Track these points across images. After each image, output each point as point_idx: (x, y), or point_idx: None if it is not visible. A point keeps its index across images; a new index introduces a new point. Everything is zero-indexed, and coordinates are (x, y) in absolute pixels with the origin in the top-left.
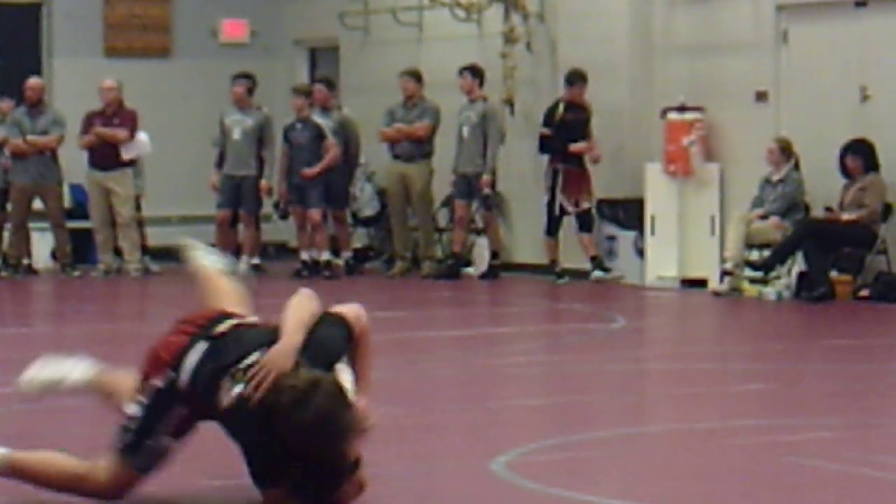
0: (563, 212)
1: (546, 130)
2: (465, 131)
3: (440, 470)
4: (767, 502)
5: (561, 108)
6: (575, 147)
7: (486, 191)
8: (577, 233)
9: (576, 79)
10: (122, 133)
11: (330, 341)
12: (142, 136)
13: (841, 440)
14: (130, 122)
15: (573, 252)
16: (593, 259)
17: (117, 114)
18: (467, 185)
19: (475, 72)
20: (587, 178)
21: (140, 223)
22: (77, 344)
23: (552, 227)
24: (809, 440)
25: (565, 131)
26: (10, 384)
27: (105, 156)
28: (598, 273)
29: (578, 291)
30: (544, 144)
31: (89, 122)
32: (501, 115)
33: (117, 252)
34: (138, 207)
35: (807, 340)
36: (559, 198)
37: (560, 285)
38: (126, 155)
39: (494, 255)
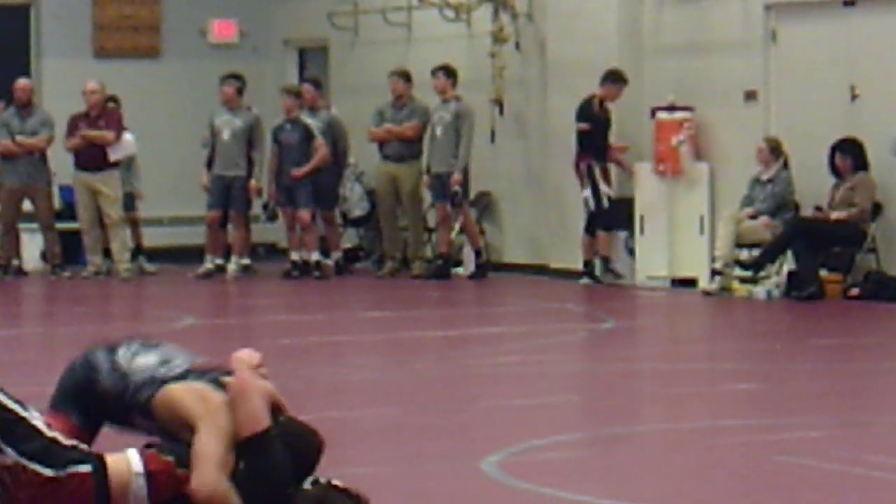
0: (611, 203)
1: (585, 126)
2: (439, 131)
3: (431, 470)
4: (757, 501)
5: (597, 104)
6: (617, 144)
7: (455, 188)
8: (589, 232)
9: (617, 78)
10: (109, 134)
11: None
12: (128, 137)
13: (830, 439)
14: (116, 123)
15: (564, 251)
16: (605, 259)
17: (102, 115)
18: (442, 186)
19: (448, 72)
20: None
21: (135, 224)
22: (66, 345)
23: (595, 225)
24: (799, 439)
25: (601, 127)
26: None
27: (92, 157)
28: (607, 276)
29: (569, 291)
30: (583, 140)
31: (74, 124)
32: (484, 115)
33: (108, 253)
34: (134, 208)
35: (796, 340)
36: (605, 190)
37: (587, 285)
38: (113, 156)
39: (478, 253)
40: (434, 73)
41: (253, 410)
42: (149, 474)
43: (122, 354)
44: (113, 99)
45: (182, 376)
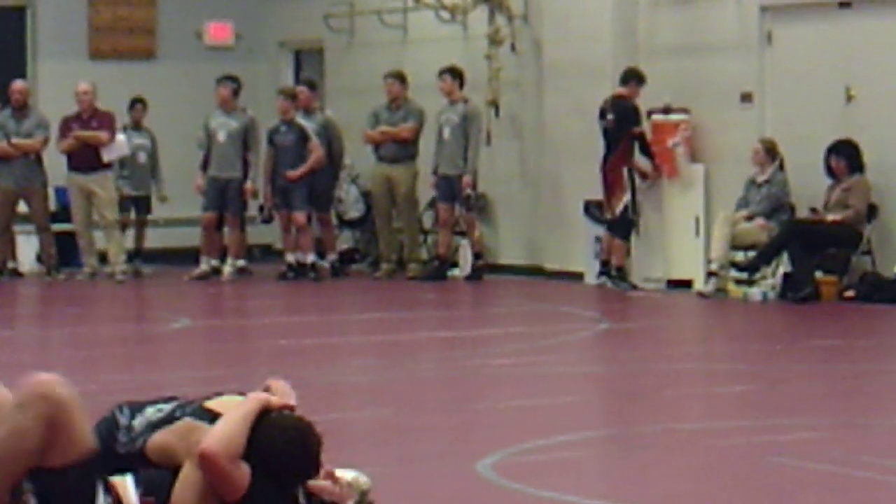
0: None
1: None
2: (446, 133)
3: (427, 471)
4: (752, 502)
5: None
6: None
7: (467, 191)
8: (613, 236)
9: (641, 78)
10: (103, 135)
11: None
12: (120, 137)
13: (825, 440)
14: (109, 124)
15: (560, 253)
16: (619, 269)
17: (94, 116)
18: (449, 187)
19: (455, 73)
20: None
21: (143, 225)
22: (61, 347)
23: (630, 230)
24: (794, 440)
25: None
26: None
27: (85, 159)
28: (621, 285)
29: (564, 293)
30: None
31: (66, 126)
32: (485, 117)
33: (103, 255)
34: (148, 210)
35: (792, 341)
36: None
37: (630, 293)
38: (107, 157)
39: (477, 256)
40: (441, 74)
41: (223, 482)
42: None
43: (137, 418)
44: (140, 100)
45: (170, 415)
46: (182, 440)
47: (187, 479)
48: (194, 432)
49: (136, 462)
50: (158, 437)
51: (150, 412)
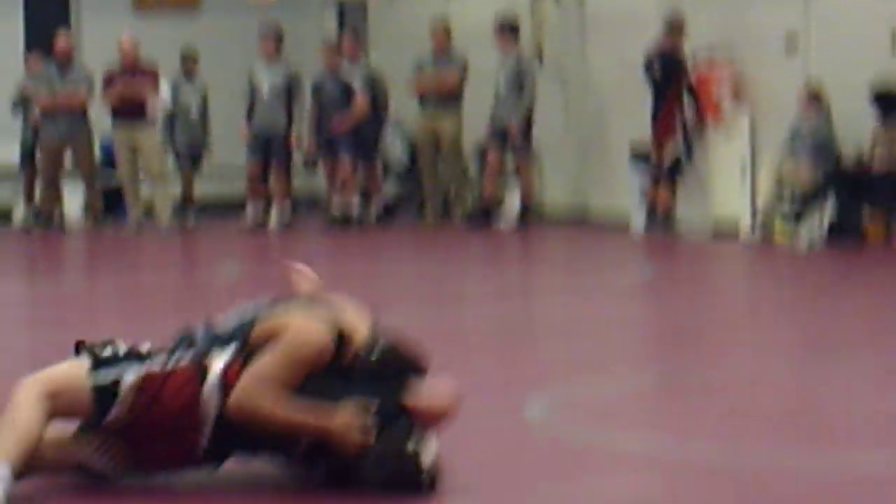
0: None
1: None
2: (502, 84)
3: (474, 418)
4: (803, 432)
5: None
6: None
7: (516, 139)
8: (659, 185)
9: (684, 28)
10: (147, 88)
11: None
12: (164, 90)
13: (874, 382)
14: (152, 76)
15: (605, 202)
16: (666, 216)
17: (138, 69)
18: (503, 136)
19: (511, 27)
20: None
21: (189, 179)
22: (108, 298)
23: (677, 179)
24: (842, 378)
25: None
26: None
27: (130, 112)
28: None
29: (610, 241)
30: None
31: (110, 79)
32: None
33: (149, 206)
34: (197, 164)
35: (838, 286)
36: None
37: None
38: (151, 110)
39: (525, 206)
40: (496, 28)
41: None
42: (225, 383)
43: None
44: (191, 53)
45: (272, 303)
46: (288, 318)
47: (263, 361)
48: (293, 321)
49: None
50: (265, 321)
51: (241, 308)
